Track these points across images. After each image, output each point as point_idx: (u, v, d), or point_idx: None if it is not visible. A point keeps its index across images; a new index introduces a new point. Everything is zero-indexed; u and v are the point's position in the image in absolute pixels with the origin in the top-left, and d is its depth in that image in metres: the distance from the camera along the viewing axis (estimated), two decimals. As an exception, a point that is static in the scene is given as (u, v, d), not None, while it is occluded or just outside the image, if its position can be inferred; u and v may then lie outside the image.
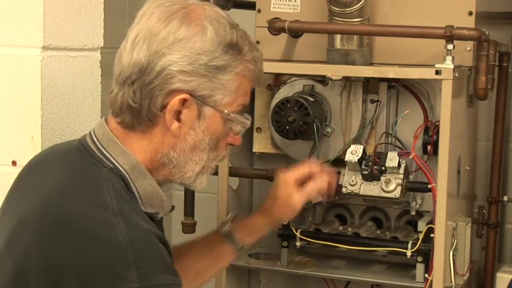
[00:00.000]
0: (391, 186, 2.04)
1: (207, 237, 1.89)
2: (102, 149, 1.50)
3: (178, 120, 1.50)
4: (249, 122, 1.60)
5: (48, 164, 1.55)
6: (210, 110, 1.51)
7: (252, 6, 2.29)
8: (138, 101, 1.48)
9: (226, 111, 1.53)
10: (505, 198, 2.44)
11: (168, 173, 1.54)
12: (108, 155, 1.49)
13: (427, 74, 2.00)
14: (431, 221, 2.02)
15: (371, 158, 2.04)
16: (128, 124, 1.51)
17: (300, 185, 1.87)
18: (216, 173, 2.17)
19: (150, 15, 1.50)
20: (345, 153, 2.07)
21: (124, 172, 1.48)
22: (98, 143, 1.51)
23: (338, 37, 2.11)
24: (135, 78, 1.48)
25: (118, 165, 1.48)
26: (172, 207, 1.61)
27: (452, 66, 1.96)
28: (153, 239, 1.41)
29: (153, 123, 1.50)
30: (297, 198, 1.86)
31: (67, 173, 1.50)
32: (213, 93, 1.50)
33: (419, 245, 2.04)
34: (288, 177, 1.87)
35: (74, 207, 1.41)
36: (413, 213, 2.16)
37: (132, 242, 1.36)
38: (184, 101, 1.48)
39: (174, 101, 1.47)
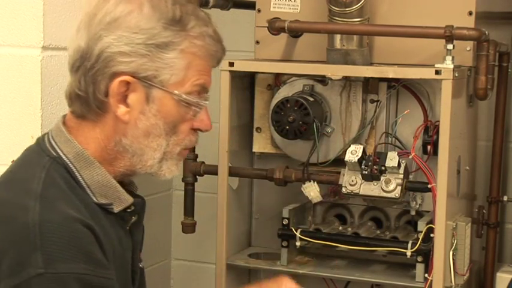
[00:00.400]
0: (391, 186, 2.03)
1: None
2: (51, 139, 1.48)
3: (127, 105, 1.44)
4: (204, 103, 1.50)
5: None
6: (159, 91, 1.44)
7: (252, 6, 2.29)
8: (84, 89, 1.44)
9: (176, 92, 1.46)
10: (505, 198, 2.44)
11: (128, 163, 1.50)
12: (54, 144, 1.47)
13: (427, 74, 2.00)
14: (431, 221, 2.02)
15: (371, 158, 2.04)
16: (79, 113, 1.47)
17: None
18: (216, 173, 2.17)
19: None
20: (345, 153, 2.07)
21: (67, 161, 1.45)
22: (50, 133, 1.50)
23: (338, 37, 2.11)
24: (78, 65, 1.45)
25: (62, 154, 1.45)
26: (137, 201, 1.53)
27: (452, 66, 1.96)
28: (74, 225, 1.34)
29: (102, 111, 1.45)
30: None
31: (14, 165, 1.50)
32: (158, 73, 1.44)
33: (419, 244, 2.04)
34: (287, 283, 1.72)
35: (2, 195, 1.40)
36: (413, 213, 2.16)
37: (42, 225, 1.31)
38: (127, 83, 1.43)
39: (114, 84, 1.42)
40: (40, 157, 1.45)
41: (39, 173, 1.41)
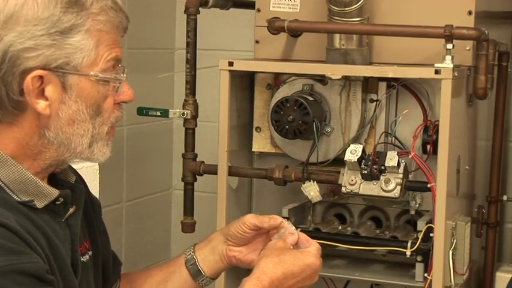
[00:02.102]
0: (390, 186, 2.03)
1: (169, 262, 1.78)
2: None
3: (45, 98, 1.39)
4: (122, 78, 1.46)
5: None
6: (74, 77, 1.39)
7: (251, 6, 2.29)
8: None
9: (92, 72, 1.40)
10: (505, 197, 2.44)
11: (55, 154, 1.44)
12: None
13: (427, 73, 2.00)
14: (431, 221, 2.03)
15: (370, 158, 2.04)
16: None
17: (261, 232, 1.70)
18: (215, 173, 2.17)
19: None
20: (345, 153, 2.07)
21: None
22: None
23: (337, 36, 2.11)
24: None
25: None
26: (64, 192, 1.48)
27: (451, 66, 1.96)
28: None
29: (20, 110, 1.40)
30: (251, 216, 1.68)
31: None
32: (69, 60, 1.38)
33: (419, 244, 2.04)
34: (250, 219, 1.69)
35: None
36: (412, 212, 2.16)
37: None
38: (40, 77, 1.37)
39: (27, 82, 1.36)
40: None
41: None
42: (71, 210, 1.50)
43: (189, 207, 2.30)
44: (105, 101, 1.45)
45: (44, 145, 1.43)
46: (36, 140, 1.43)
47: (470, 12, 2.10)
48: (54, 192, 1.45)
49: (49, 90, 1.38)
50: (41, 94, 1.39)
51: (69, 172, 1.56)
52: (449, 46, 1.97)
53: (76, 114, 1.42)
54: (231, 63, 2.12)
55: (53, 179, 1.51)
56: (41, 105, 1.39)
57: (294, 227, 1.66)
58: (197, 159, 2.26)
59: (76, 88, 1.40)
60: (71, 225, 1.50)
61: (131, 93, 1.49)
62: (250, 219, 1.68)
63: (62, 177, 1.54)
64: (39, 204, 1.44)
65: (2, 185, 1.41)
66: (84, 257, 1.55)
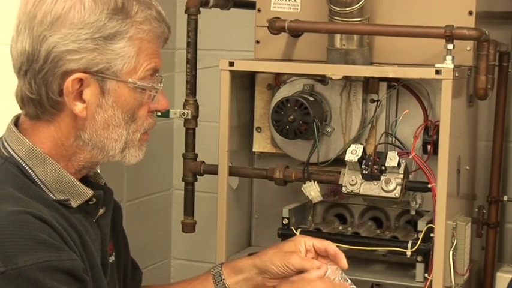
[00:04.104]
0: (391, 186, 2.03)
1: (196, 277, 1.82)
2: (3, 141, 1.48)
3: (83, 101, 1.43)
4: (159, 87, 1.51)
5: None
6: (113, 82, 1.44)
7: (252, 6, 2.29)
8: (35, 91, 1.43)
9: (130, 80, 1.45)
10: (505, 197, 2.44)
11: (89, 156, 1.48)
12: (6, 145, 1.46)
13: (427, 73, 2.00)
14: (431, 221, 2.02)
15: (371, 158, 2.04)
16: (33, 115, 1.46)
17: (309, 254, 1.71)
18: (216, 173, 2.17)
19: None
20: (345, 153, 2.07)
21: (19, 159, 1.44)
22: (3, 137, 1.49)
23: (338, 37, 2.11)
24: (26, 69, 1.43)
25: (13, 153, 1.44)
26: (98, 193, 1.51)
27: (452, 66, 1.96)
28: (24, 217, 1.32)
29: (57, 110, 1.44)
30: (296, 259, 1.67)
31: None
32: (110, 65, 1.43)
33: (419, 244, 2.04)
34: (306, 240, 1.71)
35: None
36: (413, 212, 2.16)
37: None
38: (80, 80, 1.41)
39: (68, 83, 1.41)
40: None
41: None
42: (101, 211, 1.53)
43: (189, 207, 2.30)
44: (141, 108, 1.49)
45: (78, 146, 1.47)
46: (71, 141, 1.46)
47: (470, 13, 2.10)
48: (89, 192, 1.49)
49: (87, 93, 1.42)
50: (79, 96, 1.43)
51: (99, 174, 1.60)
52: (450, 46, 1.97)
53: (111, 119, 1.45)
54: (231, 63, 2.12)
55: (84, 181, 1.54)
56: (78, 107, 1.43)
57: (340, 274, 1.67)
58: (198, 159, 2.26)
59: (114, 93, 1.44)
60: (101, 225, 1.54)
61: (166, 103, 1.53)
62: (296, 262, 1.66)
63: (91, 179, 1.58)
64: (74, 203, 1.47)
65: (40, 183, 1.44)
66: (110, 258, 1.58)
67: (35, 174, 1.44)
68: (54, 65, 1.40)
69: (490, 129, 2.44)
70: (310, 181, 2.12)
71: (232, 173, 2.19)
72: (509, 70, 2.37)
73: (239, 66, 2.14)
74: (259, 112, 2.26)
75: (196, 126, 2.25)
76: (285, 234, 2.18)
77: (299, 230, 2.17)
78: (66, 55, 1.40)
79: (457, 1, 2.11)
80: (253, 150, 2.30)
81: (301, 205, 2.26)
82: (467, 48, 2.11)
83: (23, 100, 1.46)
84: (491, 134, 2.44)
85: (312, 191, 2.12)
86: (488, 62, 2.07)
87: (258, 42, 2.27)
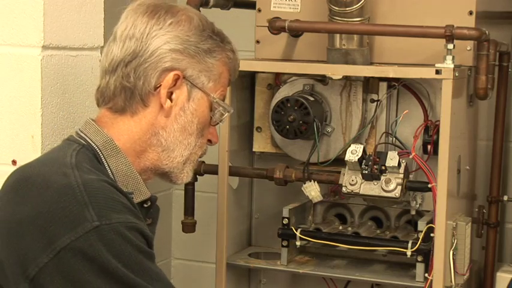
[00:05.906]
0: (391, 186, 2.04)
1: None
2: (79, 132, 1.56)
3: (171, 100, 1.54)
4: (230, 109, 1.63)
5: None
6: (199, 92, 1.56)
7: (252, 6, 2.29)
8: (133, 81, 1.52)
9: (212, 95, 1.57)
10: (505, 197, 2.44)
11: (156, 157, 1.57)
12: (83, 135, 1.54)
13: (427, 73, 2.00)
14: (431, 221, 2.03)
15: (371, 158, 2.04)
16: (118, 108, 1.54)
17: None
18: (216, 173, 2.17)
19: (135, 10, 1.56)
20: (345, 153, 2.07)
21: (95, 147, 1.52)
22: (78, 129, 1.57)
23: (338, 36, 2.11)
24: (128, 60, 1.53)
25: (90, 142, 1.52)
26: (153, 198, 1.59)
27: (452, 66, 1.96)
28: (112, 187, 1.42)
29: (144, 104, 1.53)
30: None
31: (46, 152, 1.59)
32: (200, 76, 1.55)
33: (419, 244, 2.04)
34: None
35: (35, 168, 1.47)
36: (413, 212, 2.16)
37: (86, 185, 1.39)
38: (176, 79, 1.52)
39: (170, 77, 1.52)
40: (70, 145, 1.52)
41: (70, 152, 1.48)
42: (148, 221, 1.59)
43: (189, 207, 2.30)
44: (207, 128, 1.61)
45: (152, 144, 1.56)
46: (147, 137, 1.55)
47: (471, 13, 2.10)
48: (148, 192, 1.57)
49: (176, 94, 1.54)
50: (169, 95, 1.53)
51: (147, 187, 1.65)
52: (450, 46, 1.97)
53: (188, 125, 1.57)
54: (231, 63, 2.12)
55: None
56: (167, 104, 1.53)
57: None
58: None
59: (197, 102, 1.56)
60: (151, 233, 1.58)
61: (217, 139, 1.66)
62: None
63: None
64: (136, 199, 1.53)
65: (110, 173, 1.52)
66: None
67: (107, 163, 1.52)
68: (158, 60, 1.52)
69: (490, 129, 2.45)
70: (310, 181, 2.12)
71: (232, 173, 2.19)
72: (509, 70, 2.37)
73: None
74: (259, 112, 2.27)
75: (197, 126, 2.25)
76: (285, 234, 2.18)
77: (299, 230, 2.17)
78: (171, 53, 1.52)
79: (457, 1, 2.11)
80: (253, 150, 2.30)
81: (301, 205, 2.26)
82: (468, 48, 2.11)
83: (115, 91, 1.54)
84: (491, 134, 2.44)
85: (312, 191, 2.12)
86: (488, 62, 2.07)
87: (258, 42, 2.28)
